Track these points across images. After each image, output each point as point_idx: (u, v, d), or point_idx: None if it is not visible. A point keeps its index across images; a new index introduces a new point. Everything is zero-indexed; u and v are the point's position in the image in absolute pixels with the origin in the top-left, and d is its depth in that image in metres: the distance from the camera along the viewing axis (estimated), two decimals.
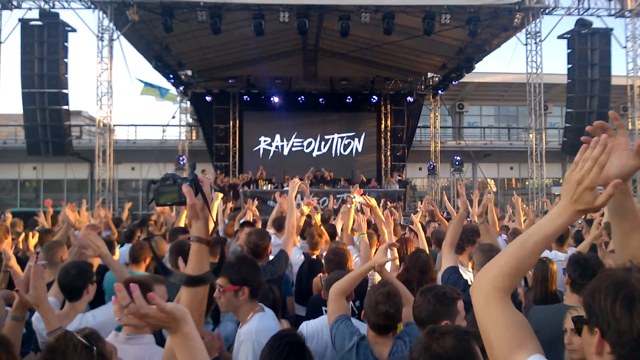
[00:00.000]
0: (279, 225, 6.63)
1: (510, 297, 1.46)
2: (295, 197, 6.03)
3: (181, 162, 23.81)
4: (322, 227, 6.31)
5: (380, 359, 2.95)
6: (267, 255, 4.54)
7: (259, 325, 2.84)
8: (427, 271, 4.21)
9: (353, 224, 5.76)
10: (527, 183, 20.47)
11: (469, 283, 3.79)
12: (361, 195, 5.90)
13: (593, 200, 1.36)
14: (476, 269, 3.73)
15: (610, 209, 1.67)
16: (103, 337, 1.97)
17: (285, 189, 19.42)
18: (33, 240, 5.91)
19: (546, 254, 4.74)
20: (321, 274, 5.36)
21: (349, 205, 5.90)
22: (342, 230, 6.53)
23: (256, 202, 9.52)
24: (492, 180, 32.23)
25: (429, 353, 1.85)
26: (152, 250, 5.21)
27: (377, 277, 5.08)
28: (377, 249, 5.48)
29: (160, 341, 2.94)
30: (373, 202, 5.66)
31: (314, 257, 5.61)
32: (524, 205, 9.52)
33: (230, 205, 10.17)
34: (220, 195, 5.48)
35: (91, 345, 1.81)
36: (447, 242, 4.09)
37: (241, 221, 7.72)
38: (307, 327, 3.44)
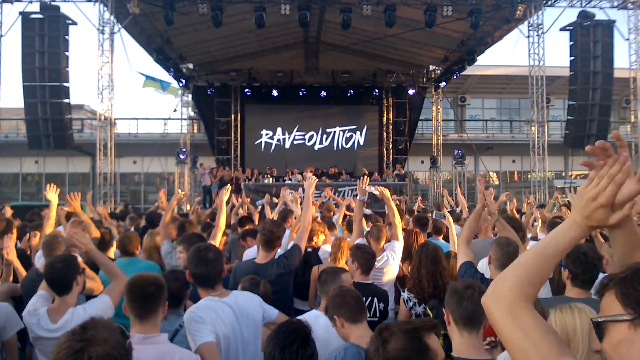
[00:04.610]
0: (284, 216, 6.64)
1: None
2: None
3: (182, 156, 23.81)
4: (318, 220, 6.31)
5: None
6: (278, 247, 4.51)
7: None
8: (438, 262, 4.18)
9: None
10: (529, 176, 20.42)
11: (486, 277, 3.78)
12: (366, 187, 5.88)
13: (606, 218, 1.34)
14: (493, 264, 3.66)
15: (609, 229, 1.64)
16: None
17: (287, 182, 19.47)
18: (36, 240, 5.85)
19: None
20: (318, 266, 5.36)
21: (359, 198, 5.86)
22: (353, 222, 6.44)
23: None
24: (494, 174, 32.21)
25: (383, 355, 1.81)
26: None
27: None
28: (386, 241, 5.51)
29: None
30: (387, 193, 5.64)
31: (309, 249, 5.59)
32: (535, 209, 9.34)
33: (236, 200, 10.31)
34: (229, 189, 5.46)
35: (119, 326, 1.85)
36: (462, 237, 4.06)
37: (239, 216, 7.66)
38: None
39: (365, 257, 4.35)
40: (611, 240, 1.66)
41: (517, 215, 7.68)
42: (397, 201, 12.69)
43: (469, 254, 3.94)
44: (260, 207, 10.49)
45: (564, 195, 14.89)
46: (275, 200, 9.89)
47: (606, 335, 1.28)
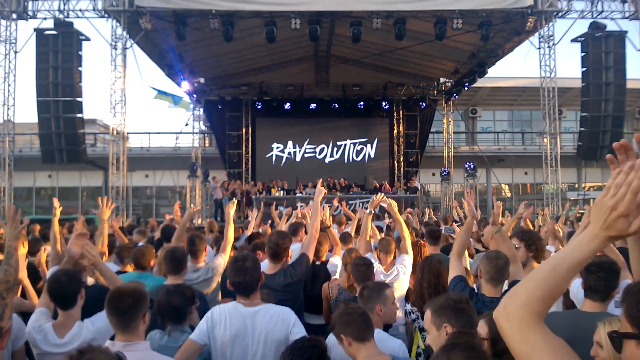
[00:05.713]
0: (294, 230, 6.65)
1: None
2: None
3: (194, 170, 23.93)
4: (330, 232, 6.30)
5: None
6: (286, 257, 4.49)
7: None
8: (441, 275, 4.17)
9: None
10: (542, 188, 20.26)
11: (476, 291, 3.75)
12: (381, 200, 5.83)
13: (626, 227, 1.30)
14: (483, 277, 3.63)
15: (628, 238, 1.61)
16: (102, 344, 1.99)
17: (298, 195, 19.48)
18: (43, 255, 5.83)
19: None
20: (328, 282, 5.32)
21: (368, 211, 5.84)
22: (359, 236, 6.38)
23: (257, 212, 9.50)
24: (507, 186, 32.02)
25: None
26: None
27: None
28: (395, 256, 5.46)
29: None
30: (394, 206, 5.58)
31: (318, 263, 5.56)
32: (547, 216, 9.21)
33: (249, 212, 10.40)
34: (235, 202, 5.46)
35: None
36: (454, 251, 4.01)
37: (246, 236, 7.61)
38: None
39: (361, 270, 4.32)
40: (630, 249, 1.64)
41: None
42: (410, 214, 12.65)
43: (461, 267, 3.90)
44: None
45: (572, 209, 14.77)
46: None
47: (623, 349, 1.28)
